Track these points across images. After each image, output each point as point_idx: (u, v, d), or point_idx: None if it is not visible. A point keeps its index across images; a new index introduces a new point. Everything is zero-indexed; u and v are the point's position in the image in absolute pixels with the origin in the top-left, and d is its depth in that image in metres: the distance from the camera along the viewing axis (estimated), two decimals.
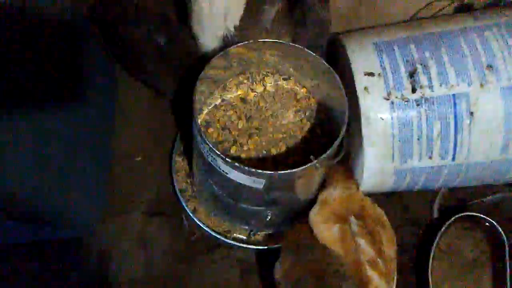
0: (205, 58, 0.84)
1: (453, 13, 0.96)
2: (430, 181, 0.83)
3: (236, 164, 0.70)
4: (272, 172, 0.71)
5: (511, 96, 0.74)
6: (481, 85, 0.75)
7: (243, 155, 0.83)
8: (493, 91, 0.75)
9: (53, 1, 0.87)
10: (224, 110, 0.86)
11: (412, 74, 0.76)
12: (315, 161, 0.72)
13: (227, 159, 0.71)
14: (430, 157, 0.78)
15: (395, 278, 0.79)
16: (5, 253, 0.91)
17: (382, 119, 0.77)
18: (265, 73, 0.89)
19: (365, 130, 0.78)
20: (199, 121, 0.85)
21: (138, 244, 0.93)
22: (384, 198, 0.97)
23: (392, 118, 0.77)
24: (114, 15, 0.91)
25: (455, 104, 0.75)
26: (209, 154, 0.74)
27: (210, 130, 0.85)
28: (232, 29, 0.87)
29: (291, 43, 0.82)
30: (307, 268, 0.74)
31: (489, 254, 0.95)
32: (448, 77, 0.76)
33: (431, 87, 0.76)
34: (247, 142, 0.84)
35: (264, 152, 0.84)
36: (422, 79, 0.76)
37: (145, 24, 0.89)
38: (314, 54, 0.81)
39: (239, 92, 0.88)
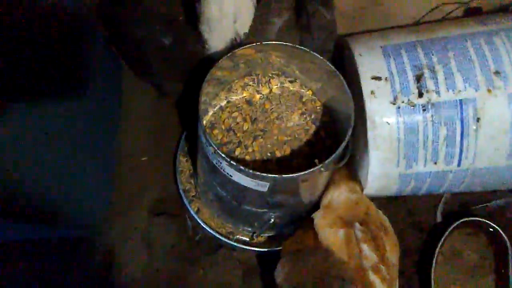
0: (211, 60, 0.84)
1: (461, 17, 0.95)
2: (435, 186, 0.82)
3: (241, 167, 0.70)
4: (277, 175, 0.70)
5: None
6: (489, 91, 0.74)
7: (247, 157, 0.83)
8: (500, 96, 0.74)
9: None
10: (229, 112, 0.86)
11: (419, 79, 0.76)
12: (320, 165, 0.72)
13: (231, 161, 0.71)
14: (435, 162, 0.78)
15: (397, 284, 0.79)
16: (10, 251, 0.91)
17: (388, 124, 0.76)
18: (271, 75, 0.89)
19: (370, 134, 0.77)
20: (204, 122, 0.85)
21: (141, 244, 0.94)
22: (388, 202, 0.97)
23: (398, 122, 0.76)
24: (121, 14, 0.91)
25: (461, 109, 0.75)
26: (214, 156, 0.74)
27: (215, 131, 0.85)
28: (241, 32, 0.87)
29: (297, 45, 0.81)
30: (309, 271, 0.74)
31: (493, 259, 0.94)
32: (455, 82, 0.75)
33: (437, 92, 0.75)
34: (252, 144, 0.84)
35: (269, 154, 0.83)
36: (429, 84, 0.76)
37: (151, 24, 0.89)
38: (320, 57, 0.80)
39: (244, 94, 0.88)
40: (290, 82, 0.89)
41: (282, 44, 0.82)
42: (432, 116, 0.75)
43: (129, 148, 0.99)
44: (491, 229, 0.92)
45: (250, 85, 0.88)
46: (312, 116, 0.87)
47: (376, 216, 0.80)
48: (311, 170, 0.71)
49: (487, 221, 0.92)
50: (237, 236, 0.92)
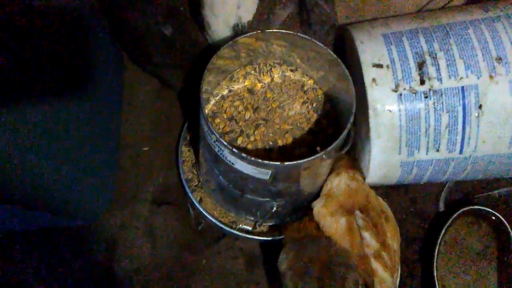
0: (212, 49, 0.84)
1: (463, 4, 0.95)
2: (437, 174, 0.82)
3: (243, 154, 0.70)
4: (279, 163, 0.70)
5: None
6: (491, 77, 0.74)
7: (249, 146, 0.83)
8: (502, 83, 0.74)
9: None
10: (231, 101, 0.86)
11: (420, 66, 0.76)
12: (322, 152, 0.72)
13: (233, 149, 0.71)
14: (438, 150, 0.78)
15: (399, 270, 0.79)
16: (13, 240, 0.92)
17: (390, 111, 0.76)
18: (272, 64, 0.89)
19: (372, 122, 0.77)
20: (206, 111, 0.85)
21: (144, 233, 0.94)
22: (390, 191, 0.97)
23: (399, 110, 0.76)
24: (122, 6, 0.91)
25: (463, 96, 0.75)
26: (216, 144, 0.74)
27: (217, 120, 0.85)
28: (243, 18, 0.87)
29: (298, 34, 0.81)
30: (313, 259, 0.74)
31: (495, 247, 0.95)
32: (457, 69, 0.75)
33: (439, 79, 0.75)
34: (254, 133, 0.84)
35: (271, 143, 0.83)
36: (431, 71, 0.75)
37: (152, 15, 0.89)
38: (321, 45, 0.80)
39: (246, 83, 0.88)
40: (292, 71, 0.89)
41: (284, 33, 0.81)
42: (434, 103, 0.75)
43: (131, 138, 1.00)
44: (493, 218, 0.93)
45: (251, 74, 0.88)
46: (314, 105, 0.87)
47: (376, 203, 0.80)
48: (313, 157, 0.72)
49: (489, 210, 0.92)
50: (240, 225, 0.92)
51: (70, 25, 0.87)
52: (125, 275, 0.92)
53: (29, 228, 0.92)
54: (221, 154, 0.75)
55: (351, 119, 0.75)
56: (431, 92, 0.75)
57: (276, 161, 0.71)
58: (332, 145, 0.73)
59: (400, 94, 0.76)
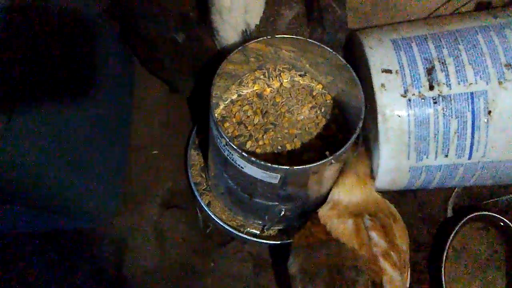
0: (222, 55, 0.85)
1: (472, 11, 0.95)
2: (446, 179, 0.82)
3: (252, 158, 0.71)
4: (288, 167, 0.71)
5: None
6: (500, 83, 0.74)
7: (258, 150, 0.84)
8: (511, 89, 0.74)
9: None
10: (240, 105, 0.87)
11: (429, 72, 0.76)
12: (331, 157, 0.73)
13: (243, 153, 0.71)
14: (446, 155, 0.78)
15: (409, 269, 0.79)
16: (22, 242, 0.93)
17: (399, 116, 0.77)
18: (281, 69, 0.89)
19: (381, 127, 0.78)
20: (215, 115, 0.86)
21: (153, 236, 0.95)
22: (398, 196, 0.97)
23: (408, 115, 0.76)
24: (133, 12, 0.92)
25: (472, 102, 0.75)
26: (226, 148, 0.74)
27: (226, 124, 0.86)
28: (251, 23, 0.88)
29: (308, 39, 0.82)
30: (323, 262, 0.74)
31: (503, 253, 0.94)
32: (466, 75, 0.75)
33: (448, 84, 0.75)
34: (263, 137, 0.84)
35: (279, 147, 0.84)
36: (440, 76, 0.76)
37: (164, 21, 0.90)
38: (330, 50, 0.80)
39: (255, 88, 0.88)
40: (301, 76, 0.90)
41: (293, 38, 0.82)
42: (443, 108, 0.76)
43: (141, 142, 1.01)
44: (502, 224, 0.92)
45: (260, 78, 0.89)
46: (323, 110, 0.87)
47: (384, 205, 0.80)
48: (322, 162, 0.72)
49: (498, 216, 0.92)
50: (248, 229, 0.93)
51: (80, 30, 0.88)
52: (133, 278, 0.92)
53: (39, 230, 0.93)
54: (230, 158, 0.75)
55: (360, 125, 0.75)
56: (440, 97, 0.75)
57: (285, 165, 0.72)
58: (341, 150, 0.73)
59: (409, 100, 0.76)
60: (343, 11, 0.91)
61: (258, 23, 0.90)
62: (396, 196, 0.97)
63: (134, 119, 1.01)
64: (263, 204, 0.84)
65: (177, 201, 0.98)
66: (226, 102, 0.88)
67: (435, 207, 0.98)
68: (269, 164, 0.71)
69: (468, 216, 0.91)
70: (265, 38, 0.81)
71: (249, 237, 0.92)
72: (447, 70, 0.76)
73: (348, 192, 0.81)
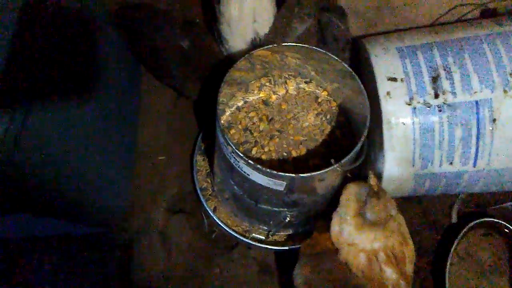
0: (228, 61, 0.86)
1: (477, 18, 0.95)
2: (450, 186, 0.83)
3: (258, 166, 0.72)
4: (294, 174, 0.72)
5: None
6: (505, 92, 0.75)
7: (264, 157, 0.84)
8: None
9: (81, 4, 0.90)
10: (246, 112, 0.88)
11: (435, 80, 0.77)
12: (336, 165, 0.73)
13: (249, 160, 0.72)
14: (451, 163, 0.78)
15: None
16: (30, 246, 0.94)
17: (404, 124, 0.77)
18: (287, 76, 0.90)
19: (386, 135, 0.78)
20: (222, 122, 0.86)
21: (159, 241, 0.96)
22: (403, 202, 0.97)
23: (413, 123, 0.77)
24: (140, 20, 0.93)
25: (477, 110, 0.75)
26: (232, 155, 0.75)
27: (232, 131, 0.87)
28: (260, 32, 0.89)
29: (313, 47, 0.82)
30: (328, 275, 0.74)
31: (507, 260, 0.94)
32: (471, 83, 0.76)
33: (453, 93, 0.76)
34: (268, 143, 0.85)
35: (285, 154, 0.85)
36: (445, 85, 0.76)
37: (170, 29, 0.91)
38: (335, 58, 0.81)
39: (261, 95, 0.89)
40: (306, 83, 0.90)
41: (298, 45, 0.83)
42: (448, 116, 0.76)
43: (147, 148, 1.01)
44: (506, 230, 0.92)
45: (266, 85, 0.90)
46: (328, 117, 0.88)
47: (399, 232, 0.77)
48: (328, 169, 0.73)
49: (502, 222, 0.92)
50: (253, 235, 0.93)
51: (88, 39, 0.89)
52: (140, 282, 0.93)
53: (48, 235, 0.94)
54: (236, 165, 0.76)
55: (366, 132, 0.76)
56: (445, 105, 0.76)
57: (290, 172, 0.72)
58: (346, 157, 0.74)
59: (414, 108, 0.77)
60: (345, 25, 0.92)
61: (267, 31, 0.91)
62: (400, 201, 0.97)
63: (140, 125, 1.02)
64: (268, 210, 0.85)
65: (183, 206, 0.98)
66: (232, 109, 0.89)
67: (439, 213, 0.99)
68: (275, 172, 0.71)
69: (473, 222, 0.92)
70: (271, 46, 0.82)
71: (254, 243, 0.92)
72: (452, 78, 0.76)
73: (366, 237, 0.76)
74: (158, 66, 0.98)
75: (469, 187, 0.83)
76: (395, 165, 0.80)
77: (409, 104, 0.77)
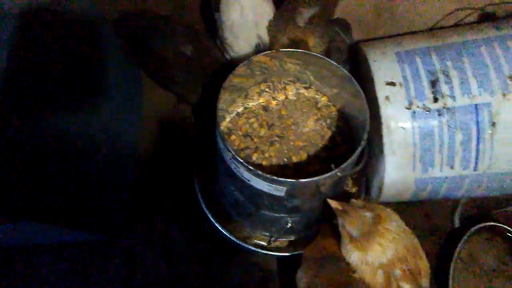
0: (229, 67, 0.86)
1: (475, 23, 0.96)
2: (452, 190, 0.83)
3: (259, 172, 0.72)
4: (294, 180, 0.72)
5: None
6: (504, 95, 0.75)
7: (264, 162, 0.85)
8: None
9: (81, 9, 0.90)
10: (246, 118, 0.88)
11: (434, 84, 0.77)
12: (336, 170, 0.73)
13: (249, 166, 0.72)
14: (452, 167, 0.78)
15: None
16: (32, 253, 0.94)
17: (403, 129, 0.77)
18: (286, 81, 0.91)
19: (386, 139, 0.78)
20: (221, 128, 0.87)
21: (161, 247, 0.96)
22: (405, 206, 0.97)
23: (413, 127, 0.77)
24: (143, 26, 0.94)
25: (477, 114, 0.75)
26: (232, 161, 0.75)
27: (233, 137, 0.87)
28: (263, 36, 0.89)
29: (311, 52, 0.83)
30: (331, 280, 0.73)
31: (510, 264, 0.94)
32: (470, 87, 0.76)
33: (453, 97, 0.76)
34: (269, 149, 0.85)
35: (285, 159, 0.85)
36: (444, 89, 0.76)
37: (172, 35, 0.92)
38: (334, 63, 0.82)
39: (261, 100, 0.89)
40: (305, 88, 0.91)
41: (297, 52, 0.83)
42: (447, 120, 0.76)
43: (149, 153, 1.02)
44: (509, 234, 0.92)
45: (266, 91, 0.90)
46: (328, 122, 0.88)
47: (412, 245, 0.76)
48: (328, 174, 0.73)
49: (505, 226, 0.92)
50: (255, 241, 0.93)
51: (90, 42, 0.90)
52: (141, 287, 0.93)
53: (50, 242, 0.94)
54: (236, 171, 0.76)
55: (365, 137, 0.76)
56: (445, 110, 0.76)
57: (291, 178, 0.72)
58: (346, 162, 0.74)
59: (414, 112, 0.77)
60: (350, 39, 0.93)
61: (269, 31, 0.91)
62: (402, 206, 0.97)
63: (142, 130, 1.02)
64: (269, 215, 0.85)
65: (184, 212, 0.98)
66: (232, 115, 0.89)
67: (441, 218, 0.98)
68: (275, 178, 0.71)
69: (475, 227, 0.91)
70: (270, 52, 0.82)
71: (255, 249, 0.92)
72: (451, 83, 0.76)
73: (380, 253, 0.74)
74: (160, 72, 0.99)
75: (471, 191, 0.83)
76: (395, 169, 0.80)
77: (408, 109, 0.77)
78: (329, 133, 0.87)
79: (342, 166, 0.73)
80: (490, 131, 0.75)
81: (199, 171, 1.00)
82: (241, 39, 0.91)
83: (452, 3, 1.00)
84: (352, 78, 0.80)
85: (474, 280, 0.94)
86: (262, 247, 0.93)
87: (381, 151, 0.80)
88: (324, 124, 0.88)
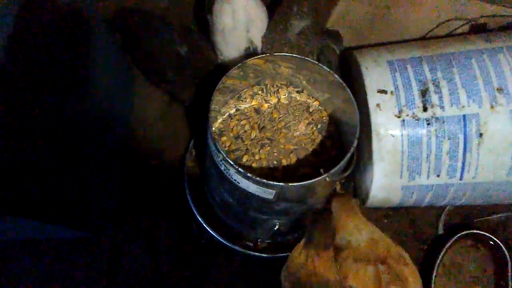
0: (223, 67, 0.87)
1: (466, 33, 0.97)
2: (437, 198, 0.84)
3: (248, 174, 0.72)
4: (283, 183, 0.72)
5: None
6: (491, 107, 0.76)
7: (254, 165, 0.85)
8: (502, 113, 0.76)
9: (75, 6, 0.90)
10: (238, 120, 0.88)
11: (424, 93, 0.78)
12: (325, 174, 0.74)
13: (239, 168, 0.72)
14: (438, 175, 0.79)
15: None
16: (17, 249, 0.93)
17: (393, 136, 0.78)
18: (279, 85, 0.91)
19: (375, 146, 0.79)
20: (213, 129, 0.87)
21: (147, 246, 0.96)
22: (390, 213, 0.99)
23: (402, 135, 0.78)
24: (136, 25, 0.94)
25: (465, 124, 0.77)
26: (222, 163, 0.76)
27: (224, 138, 0.87)
28: (255, 40, 0.90)
29: (305, 58, 0.83)
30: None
31: (493, 272, 0.96)
32: (459, 97, 0.77)
33: (442, 107, 0.77)
34: (259, 152, 0.86)
35: (275, 162, 0.85)
36: (434, 98, 0.78)
37: (167, 34, 0.92)
38: (327, 69, 0.82)
39: (253, 103, 0.90)
40: (298, 92, 0.91)
41: (291, 56, 0.84)
42: (436, 130, 0.77)
43: (139, 152, 1.02)
44: (491, 242, 0.94)
45: (258, 94, 0.90)
46: (319, 126, 0.89)
47: (395, 249, 0.77)
48: (317, 179, 0.73)
49: (488, 234, 0.93)
50: (242, 242, 0.94)
51: (80, 42, 0.89)
52: (127, 287, 0.93)
53: (36, 238, 0.93)
54: (226, 172, 0.76)
55: (355, 143, 0.77)
56: (433, 119, 0.77)
57: (280, 181, 0.73)
58: (335, 168, 0.75)
59: (403, 120, 0.78)
60: (339, 50, 0.94)
61: (260, 40, 0.92)
62: (388, 212, 0.99)
63: (132, 129, 1.02)
64: (258, 217, 0.85)
65: (172, 212, 0.98)
66: (224, 116, 0.89)
67: (426, 224, 1.00)
68: (265, 181, 0.72)
69: (459, 234, 0.93)
70: (264, 55, 0.83)
71: (243, 250, 0.92)
72: (441, 93, 0.78)
73: (355, 234, 0.76)
74: (154, 70, 0.99)
75: (456, 199, 0.85)
76: (383, 176, 0.81)
77: (398, 117, 0.78)
78: (319, 138, 0.88)
79: (331, 171, 0.74)
80: (477, 142, 0.77)
81: (189, 171, 1.00)
82: (231, 43, 0.92)
83: (445, 13, 1.01)
84: (344, 84, 0.81)
85: (456, 286, 0.96)
86: (249, 248, 0.93)
87: (370, 157, 0.81)
88: (315, 128, 0.89)
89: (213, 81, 0.80)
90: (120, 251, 0.95)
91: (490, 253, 0.96)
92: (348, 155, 0.76)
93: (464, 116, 0.77)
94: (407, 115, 0.78)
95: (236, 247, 0.93)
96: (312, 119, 0.89)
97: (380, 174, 0.81)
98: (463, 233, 0.93)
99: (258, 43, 0.94)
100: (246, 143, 0.86)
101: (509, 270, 0.91)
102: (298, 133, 0.88)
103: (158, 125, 1.04)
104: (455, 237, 0.93)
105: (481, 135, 0.76)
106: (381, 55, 0.84)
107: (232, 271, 0.95)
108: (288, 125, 0.88)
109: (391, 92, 0.79)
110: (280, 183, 0.72)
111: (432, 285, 0.91)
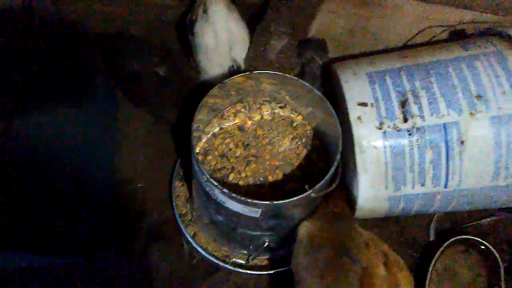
0: (205, 86, 0.87)
1: (444, 41, 0.98)
2: (424, 206, 0.84)
3: (233, 194, 0.72)
4: (268, 202, 0.72)
5: (500, 125, 0.76)
6: (471, 114, 0.77)
7: (240, 182, 0.85)
8: (482, 120, 0.76)
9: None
10: (222, 138, 0.89)
11: (403, 104, 0.78)
12: (310, 190, 0.74)
13: (223, 189, 0.73)
14: (423, 184, 0.80)
15: None
16: (9, 279, 0.92)
17: (375, 148, 0.79)
18: (262, 101, 0.92)
19: (358, 158, 0.79)
20: (197, 149, 0.87)
21: (139, 268, 0.95)
22: (381, 221, 0.99)
23: (384, 146, 0.78)
24: (118, 48, 0.95)
25: (446, 133, 0.77)
26: (207, 183, 0.76)
27: (209, 157, 0.87)
28: (237, 58, 0.90)
29: (286, 75, 0.84)
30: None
31: (485, 276, 0.96)
32: (438, 106, 0.78)
33: (422, 116, 0.78)
34: (245, 169, 0.86)
35: (261, 179, 0.86)
36: (413, 109, 0.78)
37: (147, 56, 0.93)
38: (307, 84, 0.83)
39: (236, 121, 0.90)
40: (281, 107, 0.92)
41: (273, 73, 0.84)
42: (417, 140, 0.78)
43: (126, 174, 1.02)
44: (483, 247, 0.94)
45: (241, 111, 0.91)
46: (303, 140, 0.89)
47: (393, 256, 0.81)
48: (302, 195, 0.74)
49: (478, 239, 0.93)
50: (233, 259, 0.94)
51: (68, 66, 0.89)
52: None
53: (27, 266, 0.93)
54: (211, 193, 0.77)
55: (338, 156, 0.77)
56: (414, 129, 0.78)
57: (266, 198, 0.73)
58: (321, 183, 0.75)
59: (385, 132, 0.78)
60: (325, 61, 0.95)
61: (243, 57, 0.93)
62: (378, 221, 0.99)
63: (119, 152, 1.02)
64: (247, 234, 0.85)
65: (162, 232, 0.98)
66: (209, 135, 0.89)
67: (417, 231, 1.00)
68: (249, 200, 0.72)
69: (450, 240, 0.93)
70: (245, 74, 0.83)
71: (234, 268, 0.92)
72: (420, 103, 0.78)
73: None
74: (136, 92, 0.99)
75: (443, 206, 0.85)
76: (369, 187, 0.81)
77: (379, 129, 0.78)
78: (304, 152, 0.88)
79: (316, 187, 0.75)
80: (459, 149, 0.77)
81: (177, 191, 1.00)
82: (215, 63, 0.93)
83: (424, 21, 1.03)
84: (324, 98, 0.82)
85: None
86: (240, 265, 0.93)
87: (354, 169, 0.81)
88: (299, 142, 0.89)
89: (196, 98, 0.81)
90: (111, 275, 0.94)
91: (482, 258, 0.96)
92: (332, 169, 0.77)
93: (444, 124, 0.77)
94: (388, 127, 0.78)
95: (228, 266, 0.93)
96: (297, 134, 0.90)
97: (365, 185, 0.81)
98: (454, 238, 0.93)
99: (241, 61, 0.95)
100: (231, 161, 0.87)
101: (501, 274, 0.91)
102: (283, 148, 0.88)
103: (144, 145, 1.04)
104: (447, 243, 0.93)
105: (462, 142, 0.77)
106: (360, 67, 0.84)
107: None
108: (272, 141, 0.89)
109: (371, 104, 0.79)
110: (265, 202, 0.72)
111: None
